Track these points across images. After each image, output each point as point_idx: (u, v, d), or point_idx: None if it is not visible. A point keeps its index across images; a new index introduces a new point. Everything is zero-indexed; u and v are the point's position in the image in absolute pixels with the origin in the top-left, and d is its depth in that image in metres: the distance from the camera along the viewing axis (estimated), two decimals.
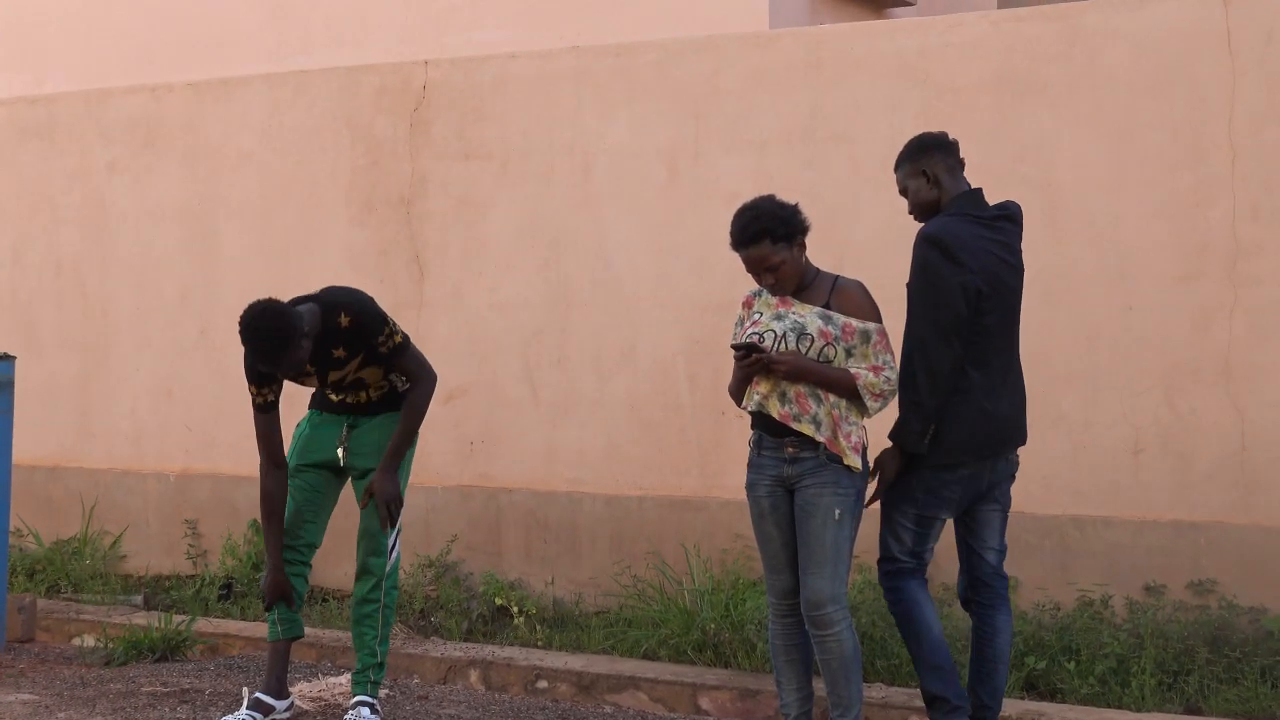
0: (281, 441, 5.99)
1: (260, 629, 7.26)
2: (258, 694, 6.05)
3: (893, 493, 5.40)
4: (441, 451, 8.05)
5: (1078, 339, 6.79)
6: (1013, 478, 5.53)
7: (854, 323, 5.26)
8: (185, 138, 8.88)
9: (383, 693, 6.35)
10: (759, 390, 5.27)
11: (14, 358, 7.49)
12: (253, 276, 8.35)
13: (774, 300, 5.36)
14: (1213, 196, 6.61)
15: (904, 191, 5.56)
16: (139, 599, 8.16)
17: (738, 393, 5.38)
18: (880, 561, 5.51)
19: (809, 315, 5.27)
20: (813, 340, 5.22)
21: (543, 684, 6.66)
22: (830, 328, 5.24)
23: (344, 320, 5.79)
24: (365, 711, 5.92)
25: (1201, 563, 6.54)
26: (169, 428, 8.82)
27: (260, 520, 6.13)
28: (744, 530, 5.87)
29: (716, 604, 6.85)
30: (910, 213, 5.57)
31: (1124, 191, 6.75)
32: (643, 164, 7.66)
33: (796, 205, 5.37)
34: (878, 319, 5.31)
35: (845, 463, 5.21)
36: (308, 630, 7.03)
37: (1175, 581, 6.56)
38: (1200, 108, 6.65)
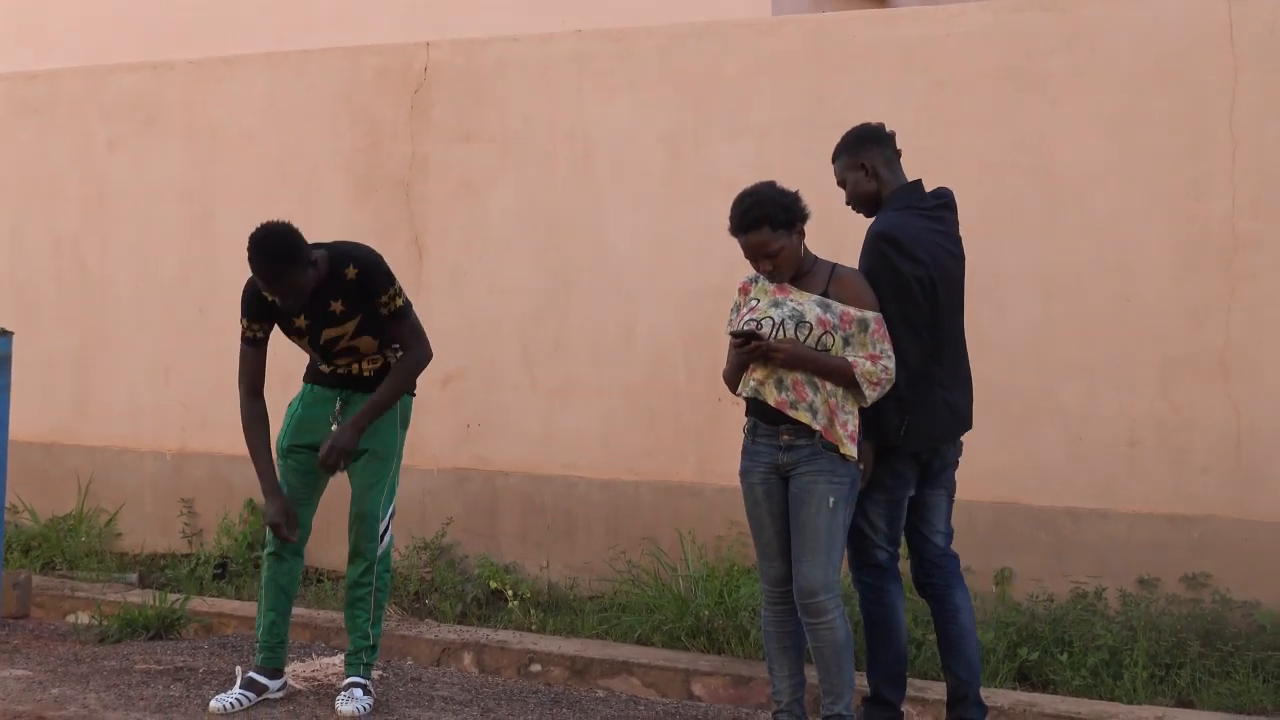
0: (263, 376, 6.00)
1: (255, 608, 7.26)
2: (251, 673, 6.06)
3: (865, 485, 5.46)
4: (438, 434, 8.05)
5: (1075, 331, 6.79)
6: (957, 464, 5.65)
7: (852, 311, 5.27)
8: (186, 116, 8.87)
9: (376, 674, 6.36)
10: (754, 376, 5.28)
11: (12, 334, 7.49)
12: None
13: (771, 287, 5.36)
14: (1212, 190, 6.61)
15: (842, 183, 5.66)
16: (134, 577, 8.17)
17: (733, 379, 5.39)
18: (856, 565, 5.53)
19: (807, 303, 5.27)
20: (811, 328, 5.22)
21: (536, 668, 6.68)
22: (829, 316, 5.24)
23: (350, 272, 5.78)
24: (358, 692, 5.93)
25: (1195, 556, 6.54)
26: (166, 406, 8.82)
27: (251, 456, 5.95)
28: (739, 517, 5.88)
29: (710, 590, 6.86)
30: (848, 204, 5.67)
31: (1123, 184, 6.75)
32: (643, 149, 7.65)
33: (797, 193, 5.38)
34: (876, 308, 5.32)
35: (841, 451, 5.22)
36: (302, 610, 7.05)
37: (1169, 575, 6.57)
38: (1201, 101, 6.64)
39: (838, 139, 5.71)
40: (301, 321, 5.86)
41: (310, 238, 5.80)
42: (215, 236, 8.69)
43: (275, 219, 5.72)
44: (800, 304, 5.28)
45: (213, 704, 5.93)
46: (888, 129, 5.65)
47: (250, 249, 5.59)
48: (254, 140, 8.66)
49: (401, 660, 6.88)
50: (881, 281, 5.35)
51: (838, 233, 6.89)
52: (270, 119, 8.62)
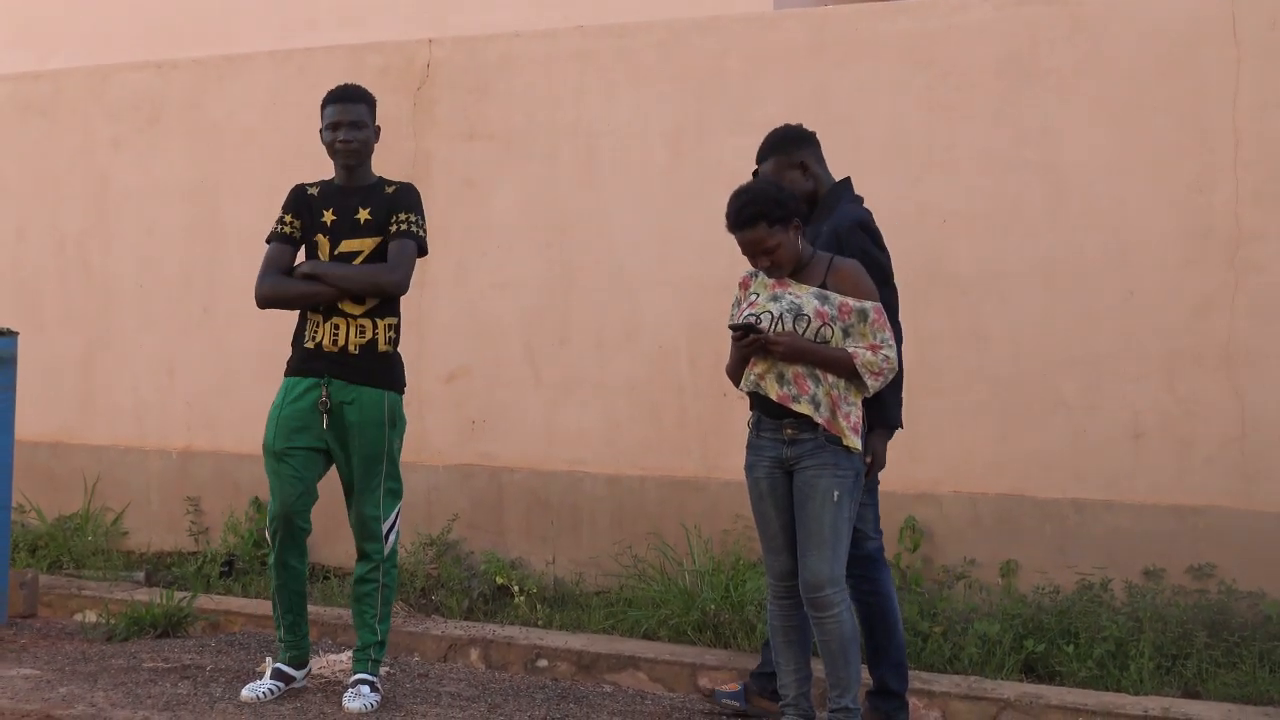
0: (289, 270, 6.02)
1: (262, 606, 7.28)
2: (278, 664, 6.10)
3: None
4: (443, 430, 8.06)
5: (1079, 323, 6.79)
6: None
7: (850, 302, 5.26)
8: (189, 115, 8.88)
9: (383, 670, 6.36)
10: (755, 370, 5.28)
11: (16, 333, 7.49)
12: (256, 255, 8.19)
13: (770, 281, 5.36)
14: (1216, 182, 6.61)
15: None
16: (141, 575, 8.18)
17: (735, 374, 5.39)
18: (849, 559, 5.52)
19: (805, 296, 5.27)
20: (809, 321, 5.22)
21: (543, 663, 6.68)
22: (827, 307, 5.24)
23: (391, 188, 5.98)
24: (365, 689, 5.94)
25: (1201, 547, 6.55)
26: (171, 405, 8.83)
27: (293, 288, 5.94)
28: (744, 511, 5.88)
29: (717, 585, 6.86)
30: None
31: (1127, 176, 6.75)
32: (646, 145, 7.66)
33: None
34: (875, 297, 5.31)
35: (844, 443, 5.22)
36: (310, 607, 7.02)
37: (1174, 566, 6.58)
38: (1204, 93, 6.64)
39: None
40: (329, 217, 5.93)
41: None
42: (219, 235, 8.70)
43: None
44: (798, 297, 5.27)
45: (245, 692, 5.97)
46: (809, 129, 5.81)
47: (331, 90, 6.01)
48: (257, 138, 8.66)
49: (408, 656, 6.88)
50: (869, 267, 5.43)
51: None
52: (273, 117, 8.63)
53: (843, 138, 7.19)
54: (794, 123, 5.83)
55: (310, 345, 5.95)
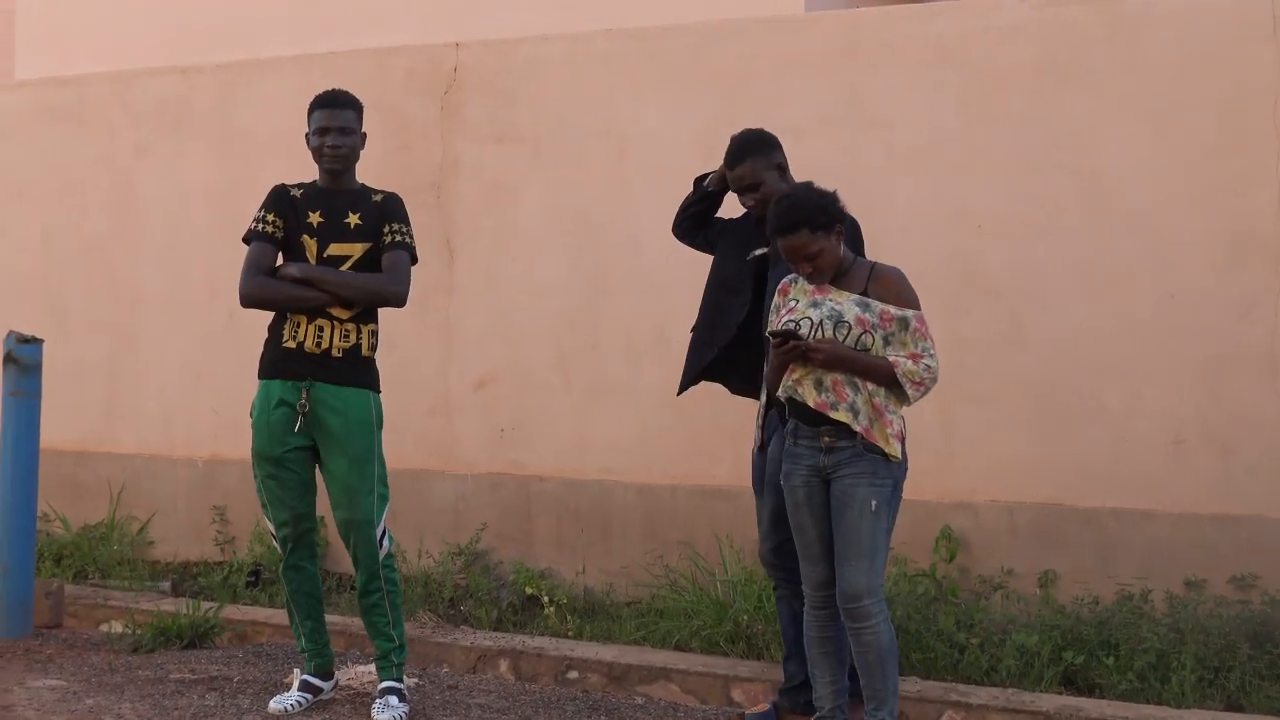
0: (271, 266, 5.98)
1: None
2: (305, 676, 6.05)
3: None
4: (472, 438, 7.99)
5: (1119, 328, 6.69)
6: None
7: (892, 310, 5.20)
8: (214, 120, 8.83)
9: (412, 681, 6.30)
10: (792, 376, 5.22)
11: (41, 341, 7.46)
12: None
13: (810, 287, 5.31)
14: (1257, 183, 6.50)
15: (755, 185, 5.77)
16: (167, 585, 8.13)
17: (774, 380, 5.34)
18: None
19: (846, 303, 5.21)
20: (850, 328, 5.15)
21: (573, 674, 6.60)
22: (868, 315, 5.17)
23: (378, 197, 5.96)
24: (394, 699, 5.87)
25: (1243, 557, 6.44)
26: (197, 413, 8.78)
27: (280, 290, 5.90)
28: None
29: (749, 595, 6.78)
30: (751, 206, 5.82)
31: (1166, 178, 6.65)
32: (676, 148, 7.57)
33: (834, 193, 5.32)
34: (916, 306, 5.26)
35: (885, 451, 5.14)
36: (336, 618, 6.99)
37: (1216, 576, 6.46)
38: (1243, 93, 6.54)
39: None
40: (315, 219, 5.89)
41: None
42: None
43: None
44: (839, 304, 5.21)
45: (272, 704, 5.93)
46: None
47: (319, 95, 6.05)
48: (283, 143, 8.58)
49: (437, 668, 6.81)
50: None
51: (875, 231, 6.81)
52: (299, 122, 8.52)
53: (875, 141, 7.14)
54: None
55: (291, 345, 5.93)
